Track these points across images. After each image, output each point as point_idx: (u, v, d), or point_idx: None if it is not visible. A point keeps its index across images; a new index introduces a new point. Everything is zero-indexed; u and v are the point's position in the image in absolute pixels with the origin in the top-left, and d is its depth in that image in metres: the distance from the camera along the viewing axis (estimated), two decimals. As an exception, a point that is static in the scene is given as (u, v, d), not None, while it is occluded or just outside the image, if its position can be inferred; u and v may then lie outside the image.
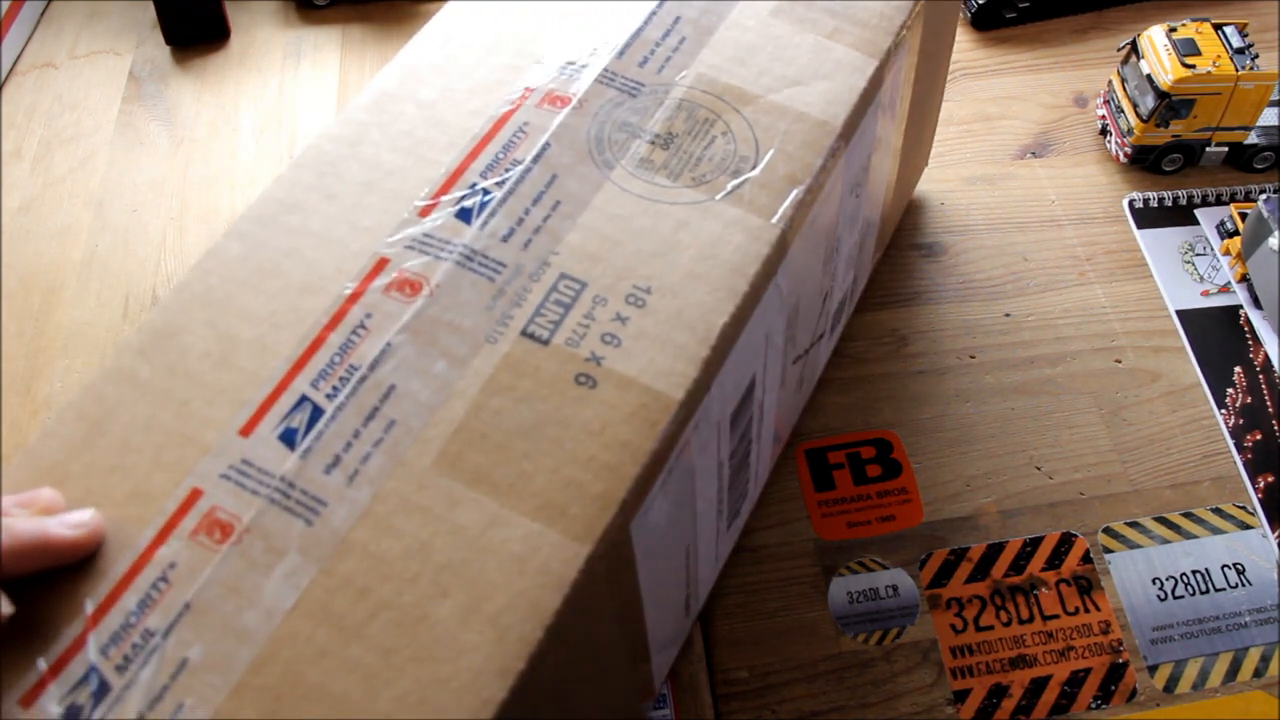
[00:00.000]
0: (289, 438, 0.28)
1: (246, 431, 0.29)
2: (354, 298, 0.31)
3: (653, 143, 0.34)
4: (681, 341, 0.30)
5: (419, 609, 0.26)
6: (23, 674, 0.25)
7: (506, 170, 0.34)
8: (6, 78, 0.67)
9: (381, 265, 0.31)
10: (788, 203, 0.33)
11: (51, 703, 0.25)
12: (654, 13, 0.38)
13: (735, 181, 0.33)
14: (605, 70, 0.36)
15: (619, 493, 0.28)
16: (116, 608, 0.26)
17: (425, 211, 0.33)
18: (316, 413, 0.29)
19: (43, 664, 0.25)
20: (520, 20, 0.38)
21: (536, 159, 0.34)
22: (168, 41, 0.68)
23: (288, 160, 0.62)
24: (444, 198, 0.33)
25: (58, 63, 0.68)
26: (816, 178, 0.34)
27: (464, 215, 0.32)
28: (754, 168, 0.34)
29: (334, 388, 0.29)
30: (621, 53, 0.37)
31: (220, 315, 0.31)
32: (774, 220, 0.33)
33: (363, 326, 0.30)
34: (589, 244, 0.32)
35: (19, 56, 0.68)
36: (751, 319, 0.32)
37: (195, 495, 0.28)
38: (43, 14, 0.71)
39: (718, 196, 0.33)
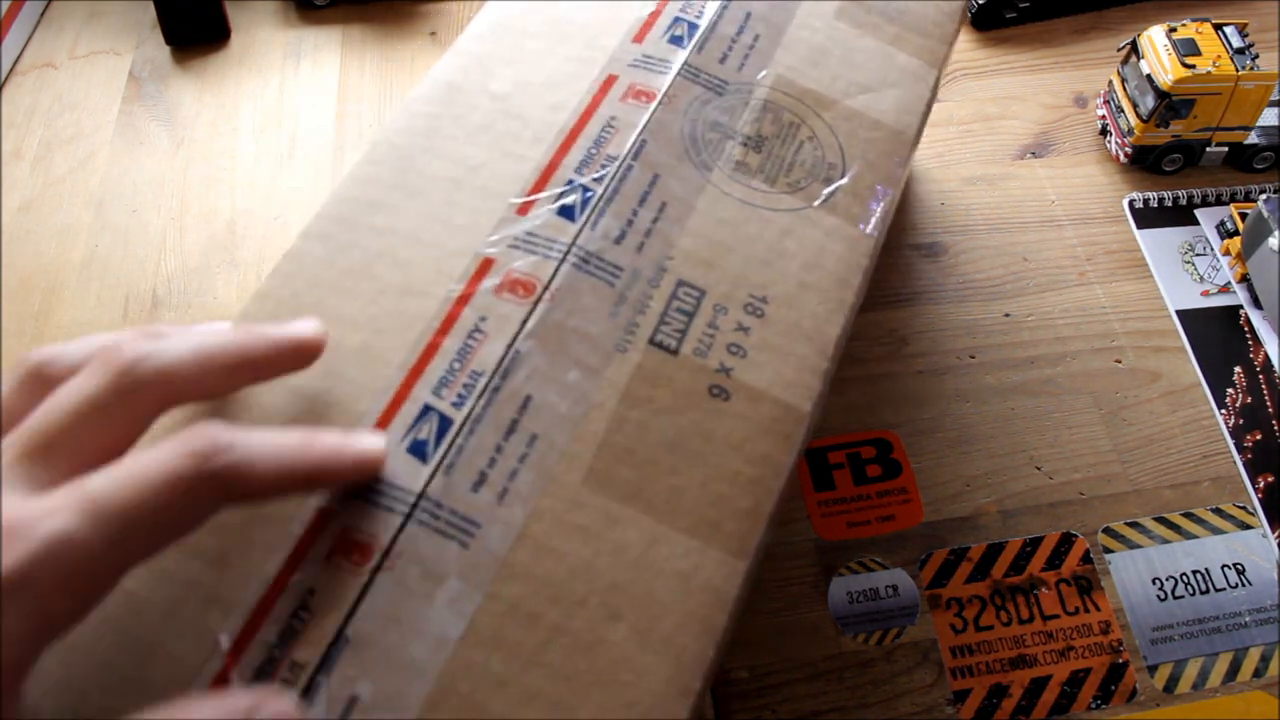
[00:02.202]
0: (419, 450, 0.27)
1: None
2: (463, 300, 0.30)
3: (745, 145, 0.34)
4: (803, 353, 0.30)
5: (592, 632, 0.25)
6: None
7: (603, 166, 0.33)
8: (6, 78, 0.67)
9: (487, 266, 0.30)
10: (878, 213, 0.33)
11: None
12: (725, 7, 0.38)
13: (828, 189, 0.34)
14: (687, 65, 0.36)
15: (766, 506, 0.27)
16: (255, 642, 0.24)
17: (523, 209, 0.32)
18: (445, 423, 0.28)
19: None
20: (582, 10, 0.37)
21: (635, 156, 0.33)
22: (168, 41, 0.68)
23: (288, 160, 0.62)
24: (540, 195, 0.32)
25: (58, 63, 0.68)
26: (897, 188, 0.35)
27: (566, 213, 0.31)
28: (843, 176, 0.34)
29: (459, 395, 0.28)
30: (700, 48, 0.36)
31: None
32: (868, 230, 0.33)
33: (479, 330, 0.29)
34: (701, 250, 0.31)
35: (19, 56, 0.68)
36: (848, 327, 0.33)
37: (323, 515, 0.26)
38: (43, 14, 0.71)
39: (815, 204, 0.33)
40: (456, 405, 0.28)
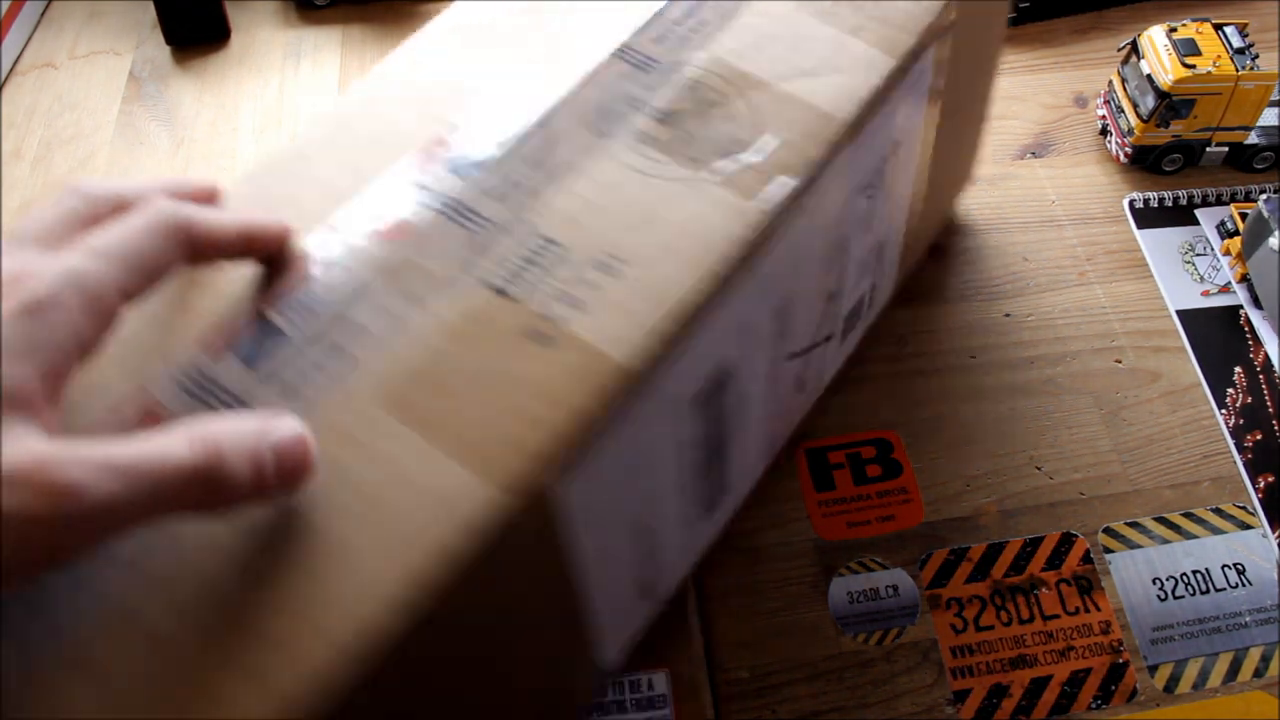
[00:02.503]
0: (248, 356, 0.29)
1: (210, 350, 0.30)
2: (338, 233, 0.32)
3: (654, 118, 0.35)
4: (645, 313, 0.30)
5: (331, 531, 0.26)
6: None
7: (505, 129, 0.34)
8: (6, 78, 0.67)
9: (377, 208, 0.32)
10: (776, 190, 0.33)
11: None
12: None
13: (728, 163, 0.33)
14: (622, 45, 0.37)
15: (551, 449, 0.28)
16: None
17: (426, 161, 0.34)
18: (277, 336, 0.30)
19: None
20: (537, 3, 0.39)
21: (541, 123, 0.34)
22: (168, 41, 0.68)
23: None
24: (445, 152, 0.34)
25: (58, 63, 0.68)
26: (812, 170, 0.34)
27: (459, 168, 0.33)
28: (750, 151, 0.34)
29: (300, 316, 0.30)
30: (642, 29, 0.37)
31: None
32: (758, 205, 0.33)
33: (340, 264, 0.31)
34: (572, 208, 0.32)
35: (19, 56, 0.68)
36: (725, 303, 0.32)
37: (153, 404, 0.28)
38: (43, 14, 0.71)
39: (707, 175, 0.33)
40: (294, 323, 0.30)
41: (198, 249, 0.28)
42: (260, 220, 0.31)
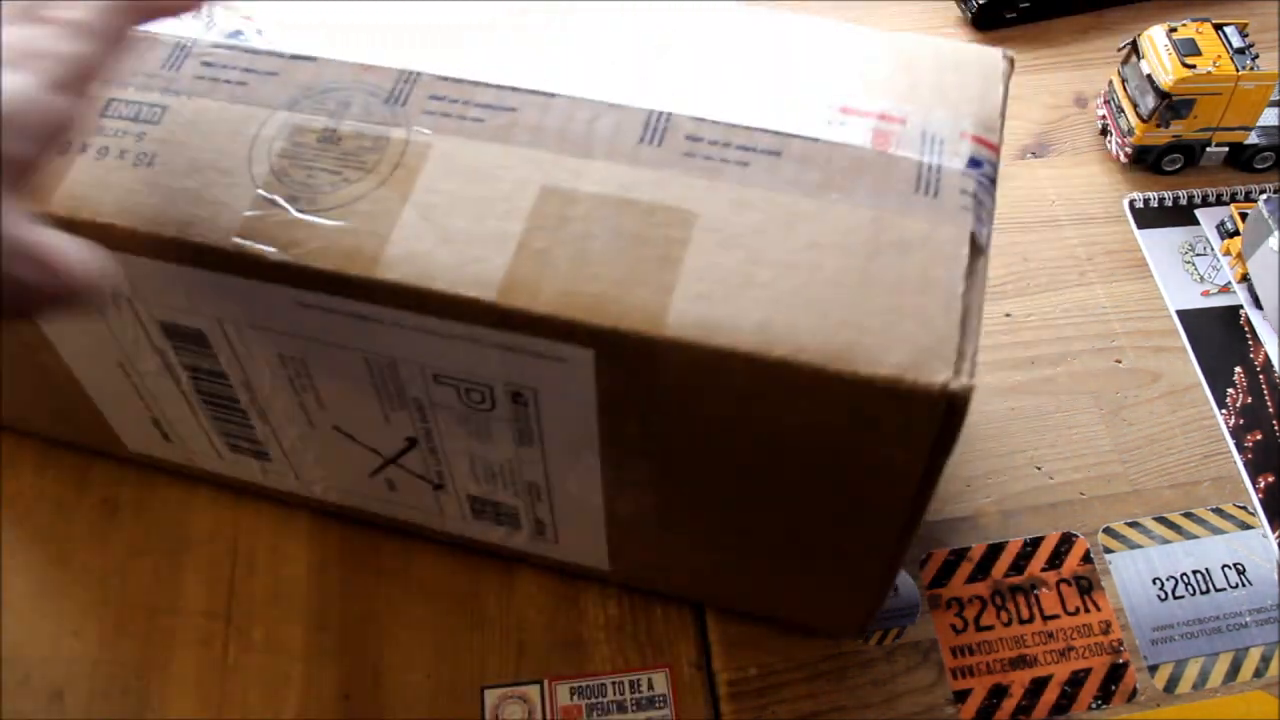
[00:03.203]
0: None
1: None
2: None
3: (330, 127, 0.34)
4: (112, 203, 0.34)
5: None
6: None
7: (294, 44, 0.37)
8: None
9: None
10: (255, 248, 0.33)
11: None
12: (554, 94, 0.35)
13: (285, 201, 0.33)
14: (438, 76, 0.35)
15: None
16: None
17: (237, 22, 0.37)
18: None
19: None
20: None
21: (301, 59, 0.36)
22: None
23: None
24: (245, 36, 0.37)
25: (57, 62, 0.68)
26: (313, 274, 0.32)
27: (234, 44, 0.37)
28: (296, 208, 0.33)
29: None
30: (482, 83, 0.35)
31: None
32: (242, 240, 0.33)
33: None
34: (199, 111, 0.35)
35: (19, 56, 0.68)
36: (177, 274, 0.35)
37: None
38: (42, 14, 0.71)
39: (269, 192, 0.33)
40: None
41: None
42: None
